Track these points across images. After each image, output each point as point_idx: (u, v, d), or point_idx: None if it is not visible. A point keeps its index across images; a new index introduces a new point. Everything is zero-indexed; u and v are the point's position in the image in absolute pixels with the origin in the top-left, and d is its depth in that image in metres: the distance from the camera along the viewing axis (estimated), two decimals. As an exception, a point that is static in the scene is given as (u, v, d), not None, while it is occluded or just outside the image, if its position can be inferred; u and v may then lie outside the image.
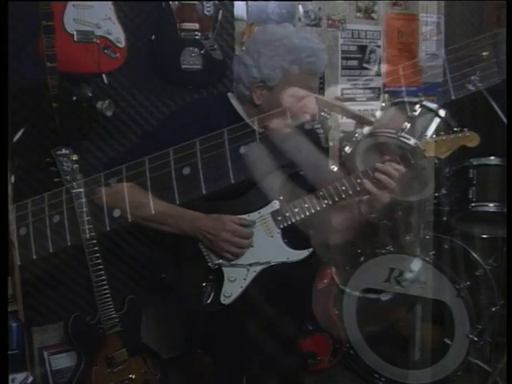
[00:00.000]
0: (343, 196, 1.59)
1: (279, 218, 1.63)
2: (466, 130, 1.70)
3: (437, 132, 1.83)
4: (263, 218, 1.63)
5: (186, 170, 0.52)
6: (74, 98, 1.98)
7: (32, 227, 0.56)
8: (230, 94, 1.73)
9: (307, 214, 1.61)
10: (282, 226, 1.63)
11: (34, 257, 0.59)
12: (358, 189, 1.59)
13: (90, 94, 2.02)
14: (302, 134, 1.65)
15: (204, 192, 0.53)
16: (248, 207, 1.63)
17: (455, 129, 1.70)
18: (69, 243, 0.56)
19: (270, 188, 1.64)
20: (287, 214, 1.62)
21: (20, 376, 1.92)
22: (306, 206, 1.61)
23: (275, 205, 1.63)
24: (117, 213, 0.59)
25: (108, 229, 0.56)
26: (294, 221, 1.62)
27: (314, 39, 1.64)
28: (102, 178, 0.58)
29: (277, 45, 1.58)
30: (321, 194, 1.61)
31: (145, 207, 1.63)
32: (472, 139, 1.68)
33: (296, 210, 1.61)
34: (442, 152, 1.67)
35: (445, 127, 1.99)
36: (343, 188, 1.59)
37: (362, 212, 1.65)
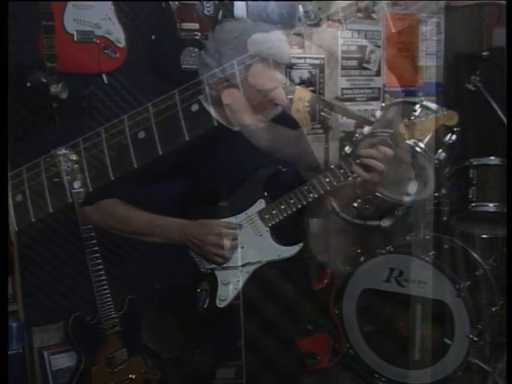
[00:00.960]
0: (328, 188, 1.61)
1: (266, 217, 1.63)
2: (444, 109, 1.70)
3: (413, 113, 1.81)
4: (250, 218, 1.63)
5: (142, 134, 0.53)
6: (28, 84, 1.96)
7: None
8: (201, 97, 1.71)
9: (294, 209, 1.62)
10: (270, 224, 1.63)
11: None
12: (342, 179, 1.61)
13: (44, 80, 1.99)
14: (277, 127, 1.65)
15: (160, 153, 0.53)
16: (234, 209, 1.64)
17: (433, 109, 1.69)
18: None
19: (255, 187, 1.65)
20: (274, 212, 1.62)
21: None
22: (292, 201, 1.61)
23: (261, 204, 1.64)
24: (77, 183, 0.60)
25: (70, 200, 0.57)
26: (281, 218, 1.62)
27: (273, 29, 1.62)
28: (62, 155, 0.58)
29: (235, 42, 1.56)
30: (305, 188, 1.61)
31: (131, 221, 1.64)
32: (451, 117, 1.68)
33: (282, 206, 1.62)
34: (422, 134, 1.66)
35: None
36: (327, 180, 1.61)
37: (357, 193, 1.69)
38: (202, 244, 1.59)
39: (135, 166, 0.54)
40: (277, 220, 1.63)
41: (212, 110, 1.67)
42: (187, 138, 0.57)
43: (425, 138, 1.68)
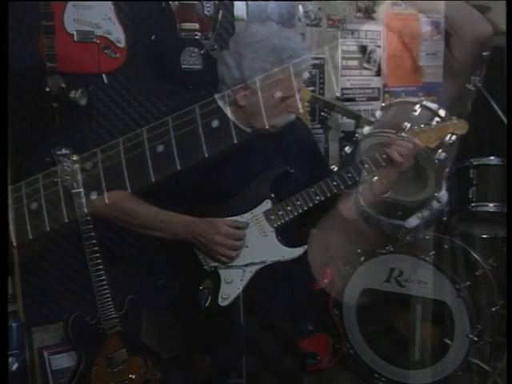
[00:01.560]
0: (335, 191, 1.61)
1: (272, 217, 1.63)
2: (454, 117, 1.70)
3: (424, 120, 1.82)
4: (256, 218, 1.63)
5: (161, 148, 0.53)
6: (47, 89, 1.96)
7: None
8: (216, 95, 1.72)
9: (300, 211, 1.62)
10: (275, 225, 1.63)
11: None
12: (349, 183, 1.61)
13: (64, 85, 2.00)
14: (288, 133, 1.65)
15: (179, 168, 0.53)
16: (240, 208, 1.64)
17: (443, 116, 1.70)
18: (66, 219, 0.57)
19: (262, 187, 1.65)
20: (280, 213, 1.63)
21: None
22: (299, 203, 1.62)
23: (267, 204, 1.64)
24: (93, 194, 0.60)
25: (86, 210, 0.57)
26: (287, 219, 1.62)
27: (296, 38, 1.62)
28: (78, 162, 0.58)
29: (258, 46, 1.56)
30: (312, 190, 1.62)
31: (137, 214, 1.64)
32: (461, 126, 1.68)
33: (289, 208, 1.62)
34: (431, 141, 1.67)
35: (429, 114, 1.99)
36: (334, 183, 1.61)
37: (375, 193, 1.70)
38: (208, 243, 1.59)
39: (153, 179, 0.54)
40: (282, 221, 1.63)
41: (227, 110, 1.67)
42: (206, 155, 0.57)
43: (434, 145, 1.68)
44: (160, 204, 1.62)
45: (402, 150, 1.61)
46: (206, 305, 1.60)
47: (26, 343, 2.08)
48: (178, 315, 1.81)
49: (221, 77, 1.66)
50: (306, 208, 1.62)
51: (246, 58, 1.58)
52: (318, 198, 1.62)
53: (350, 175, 1.61)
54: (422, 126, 1.66)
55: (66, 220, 0.56)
